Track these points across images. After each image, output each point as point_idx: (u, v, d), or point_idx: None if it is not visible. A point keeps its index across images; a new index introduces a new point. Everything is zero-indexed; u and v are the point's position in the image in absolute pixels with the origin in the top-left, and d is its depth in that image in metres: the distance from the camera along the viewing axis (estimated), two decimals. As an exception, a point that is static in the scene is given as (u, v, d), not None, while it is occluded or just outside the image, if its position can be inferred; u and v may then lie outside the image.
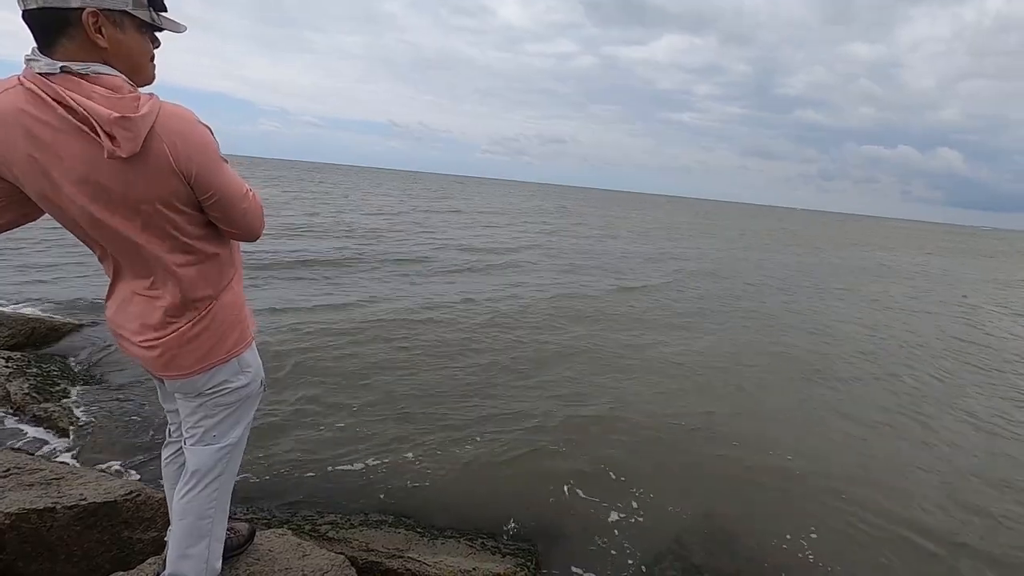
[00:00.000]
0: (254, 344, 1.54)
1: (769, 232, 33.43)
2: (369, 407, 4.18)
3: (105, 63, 1.13)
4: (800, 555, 2.97)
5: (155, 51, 1.26)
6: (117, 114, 1.07)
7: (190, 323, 1.36)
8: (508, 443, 3.83)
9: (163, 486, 1.79)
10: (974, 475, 4.06)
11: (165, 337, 1.36)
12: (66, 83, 1.08)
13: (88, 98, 1.08)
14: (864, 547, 3.10)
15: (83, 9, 1.07)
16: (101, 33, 1.11)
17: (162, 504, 2.45)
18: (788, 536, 3.12)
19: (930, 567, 3.00)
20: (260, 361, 1.58)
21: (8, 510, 1.92)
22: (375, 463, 3.42)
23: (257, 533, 2.06)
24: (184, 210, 1.25)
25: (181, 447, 1.62)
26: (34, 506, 1.99)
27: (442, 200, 34.97)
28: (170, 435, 1.70)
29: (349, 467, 3.36)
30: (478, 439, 3.85)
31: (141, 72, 1.22)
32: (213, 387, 1.46)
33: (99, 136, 1.08)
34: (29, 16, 1.07)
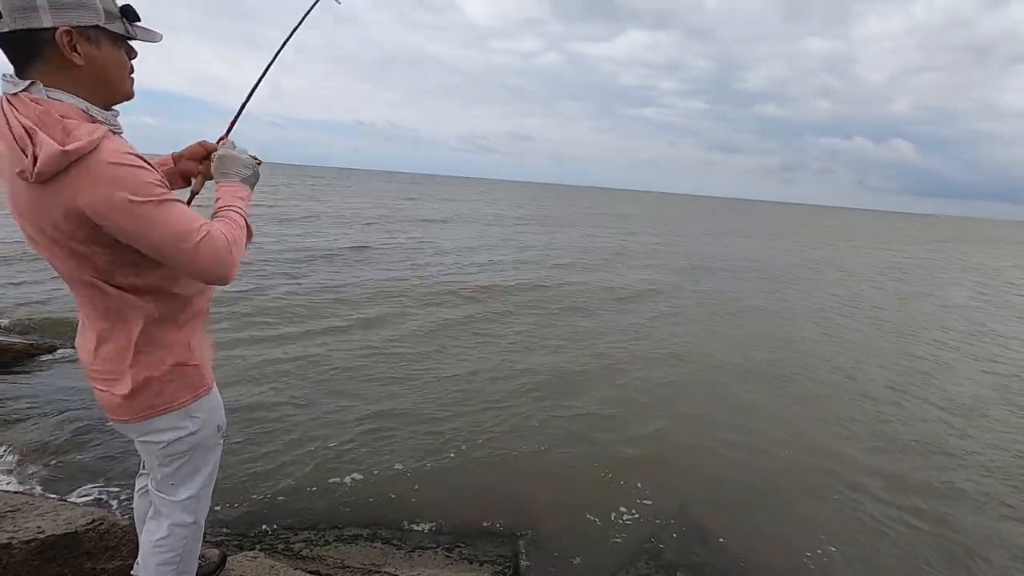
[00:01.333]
0: (213, 389, 1.45)
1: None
2: (337, 419, 4.12)
3: (75, 84, 1.12)
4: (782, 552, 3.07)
5: (132, 63, 1.23)
6: (42, 136, 1.04)
7: (127, 364, 1.28)
8: (483, 449, 3.84)
9: (131, 512, 1.75)
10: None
11: (104, 376, 1.31)
12: (19, 103, 1.07)
13: (29, 118, 1.06)
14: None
15: (55, 29, 1.05)
16: (76, 51, 1.09)
17: (127, 531, 2.37)
18: (765, 531, 3.22)
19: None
20: (219, 404, 1.49)
21: (-40, 549, 1.83)
22: (347, 476, 3.37)
23: (228, 558, 2.03)
24: (94, 249, 1.16)
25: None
26: (-12, 543, 1.90)
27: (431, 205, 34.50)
28: (142, 466, 1.65)
29: (321, 481, 3.30)
30: (452, 446, 3.83)
31: (118, 87, 1.21)
32: (157, 436, 1.39)
33: (24, 155, 1.05)
34: (1, 39, 1.06)
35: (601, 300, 9.07)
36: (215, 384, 1.48)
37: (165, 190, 1.15)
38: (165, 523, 1.50)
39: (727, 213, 58.93)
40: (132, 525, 2.45)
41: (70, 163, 1.05)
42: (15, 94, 1.08)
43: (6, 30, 1.04)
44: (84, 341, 1.35)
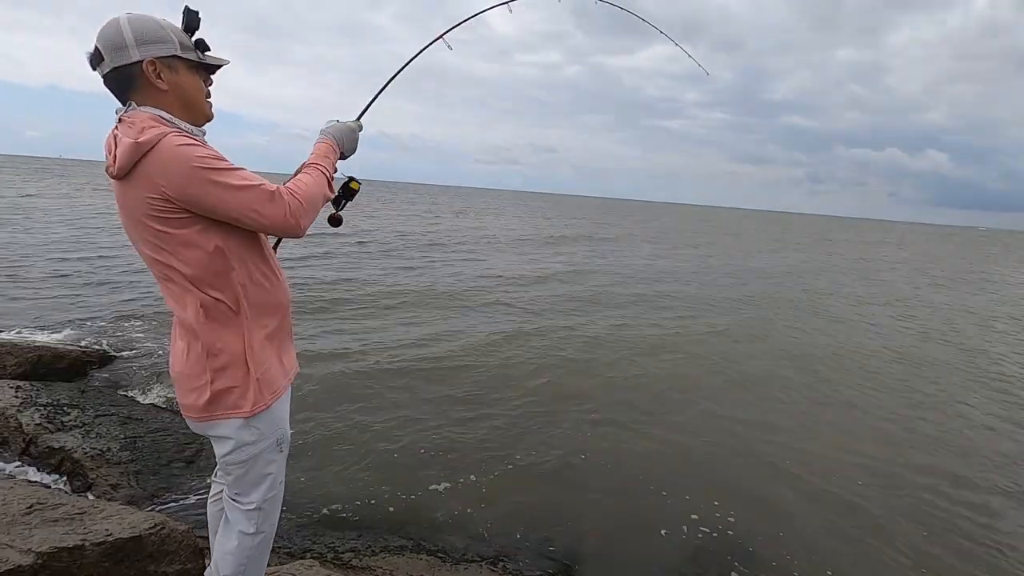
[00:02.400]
0: (276, 403, 1.49)
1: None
2: (389, 429, 4.18)
3: (163, 104, 1.31)
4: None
5: (210, 88, 1.42)
6: (124, 138, 1.23)
7: (196, 364, 1.38)
8: (531, 464, 3.84)
9: (185, 517, 1.81)
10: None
11: (181, 370, 1.42)
12: (120, 124, 1.28)
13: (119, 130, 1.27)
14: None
15: (143, 61, 1.26)
16: (161, 78, 1.29)
17: (185, 536, 2.45)
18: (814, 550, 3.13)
19: None
20: (282, 418, 1.53)
21: (40, 549, 1.92)
22: (395, 488, 3.40)
23: (285, 565, 2.07)
24: (168, 243, 1.29)
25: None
26: (64, 544, 1.99)
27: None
28: (216, 473, 1.71)
29: (368, 492, 3.35)
30: (500, 461, 3.84)
31: (197, 107, 1.38)
32: (217, 441, 1.47)
33: (109, 155, 1.26)
34: (106, 80, 1.29)
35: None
36: (283, 398, 1.52)
37: (227, 161, 1.29)
38: (234, 531, 1.56)
39: (794, 228, 57.28)
40: (189, 530, 2.53)
41: (143, 154, 1.21)
42: (120, 119, 1.29)
43: (108, 70, 1.27)
44: (175, 348, 1.44)
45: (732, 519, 3.36)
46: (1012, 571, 3.11)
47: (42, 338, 5.58)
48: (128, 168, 1.23)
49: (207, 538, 1.82)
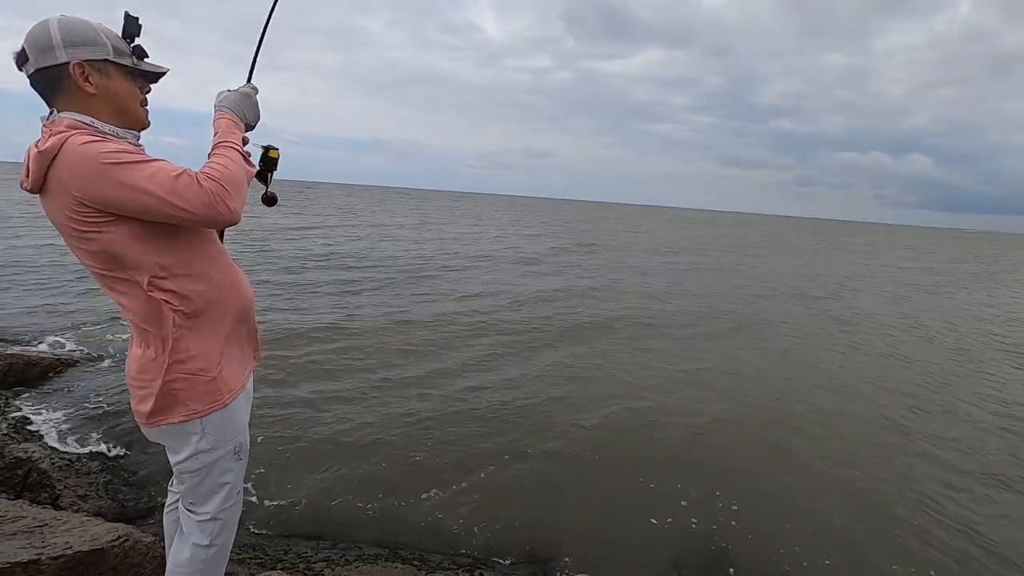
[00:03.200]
0: (232, 408, 1.43)
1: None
2: (364, 435, 4.12)
3: (90, 109, 1.25)
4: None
5: (147, 95, 1.36)
6: (34, 150, 1.18)
7: (145, 368, 1.35)
8: (507, 470, 3.79)
9: (154, 528, 1.76)
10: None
11: (136, 381, 1.38)
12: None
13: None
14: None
15: (69, 63, 1.21)
16: (89, 81, 1.23)
17: (151, 548, 2.38)
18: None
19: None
20: (237, 423, 1.46)
21: (-9, 565, 1.85)
22: (368, 496, 3.34)
23: (251, 575, 2.02)
24: (102, 248, 1.22)
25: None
26: (18, 559, 1.92)
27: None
28: (172, 481, 1.65)
29: (338, 499, 3.29)
30: (475, 468, 3.79)
31: (131, 114, 1.32)
32: (170, 448, 1.43)
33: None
34: (32, 81, 1.24)
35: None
36: (240, 402, 1.46)
37: (139, 154, 1.22)
38: (188, 542, 1.51)
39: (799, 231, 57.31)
40: (156, 542, 2.46)
41: (50, 162, 1.16)
42: (44, 126, 1.23)
43: (32, 71, 1.21)
44: (130, 353, 1.41)
45: (721, 506, 3.34)
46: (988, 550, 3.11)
47: (18, 349, 5.46)
48: (40, 180, 1.18)
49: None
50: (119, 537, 2.23)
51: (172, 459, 1.45)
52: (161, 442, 1.44)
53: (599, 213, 72.25)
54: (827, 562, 3.06)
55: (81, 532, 2.23)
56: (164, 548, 2.38)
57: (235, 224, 1.30)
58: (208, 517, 1.48)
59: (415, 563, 2.73)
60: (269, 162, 1.59)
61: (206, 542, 1.49)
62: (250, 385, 1.57)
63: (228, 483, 1.49)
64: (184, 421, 1.36)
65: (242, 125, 1.46)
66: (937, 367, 7.32)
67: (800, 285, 14.30)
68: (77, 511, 2.91)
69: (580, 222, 42.14)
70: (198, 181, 1.20)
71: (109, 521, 2.55)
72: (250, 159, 1.44)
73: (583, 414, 4.83)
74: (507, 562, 2.87)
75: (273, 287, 9.13)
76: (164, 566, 2.32)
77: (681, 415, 5.00)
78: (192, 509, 1.49)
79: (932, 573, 3.04)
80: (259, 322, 1.63)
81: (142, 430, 1.44)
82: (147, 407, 1.35)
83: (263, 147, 1.57)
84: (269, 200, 1.65)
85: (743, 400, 5.53)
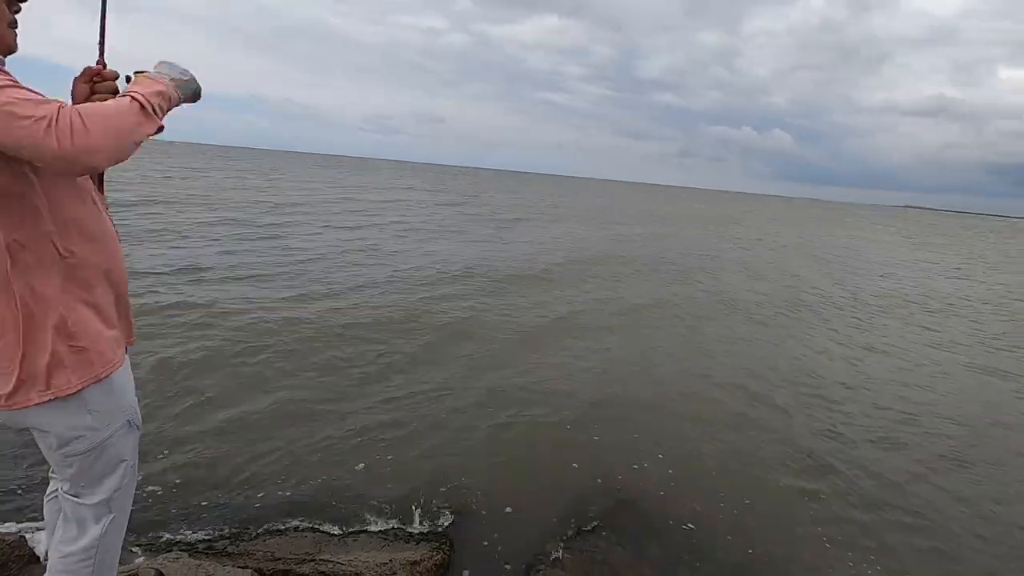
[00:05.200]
0: (115, 379, 1.31)
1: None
2: (253, 411, 3.91)
3: None
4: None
5: (16, 15, 1.18)
6: None
7: (5, 343, 1.17)
8: (409, 432, 3.82)
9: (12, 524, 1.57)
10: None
11: None
12: None
13: None
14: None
15: None
16: None
17: (15, 547, 2.14)
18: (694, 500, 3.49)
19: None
20: (124, 396, 1.35)
21: None
22: (271, 471, 3.22)
23: (146, 560, 1.88)
24: None
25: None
26: None
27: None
28: (52, 468, 1.47)
29: (239, 477, 3.13)
30: (377, 433, 3.78)
31: None
32: (46, 428, 1.26)
33: None
34: None
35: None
36: (122, 372, 1.34)
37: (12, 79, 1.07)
38: (73, 531, 1.37)
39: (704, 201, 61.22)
40: (20, 539, 2.21)
41: None
42: None
43: None
44: None
45: (615, 473, 3.64)
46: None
47: None
48: None
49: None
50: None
51: (49, 445, 1.29)
52: (31, 426, 1.27)
53: (506, 184, 72.50)
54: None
55: (-78, 538, 1.93)
56: (34, 543, 2.15)
57: (86, 168, 1.11)
58: (101, 499, 1.35)
59: (328, 531, 2.70)
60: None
61: (99, 531, 1.37)
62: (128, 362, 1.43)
63: (125, 460, 1.38)
64: (59, 399, 1.22)
65: (170, 96, 1.25)
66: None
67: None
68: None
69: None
70: (61, 111, 1.03)
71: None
72: (151, 113, 1.19)
73: (474, 381, 4.96)
74: (422, 518, 2.92)
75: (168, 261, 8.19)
76: (34, 562, 2.10)
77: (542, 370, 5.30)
78: (80, 495, 1.34)
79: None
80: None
81: (4, 416, 1.26)
82: (6, 388, 1.19)
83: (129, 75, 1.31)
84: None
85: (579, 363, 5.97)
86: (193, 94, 1.34)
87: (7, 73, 1.10)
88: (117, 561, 1.48)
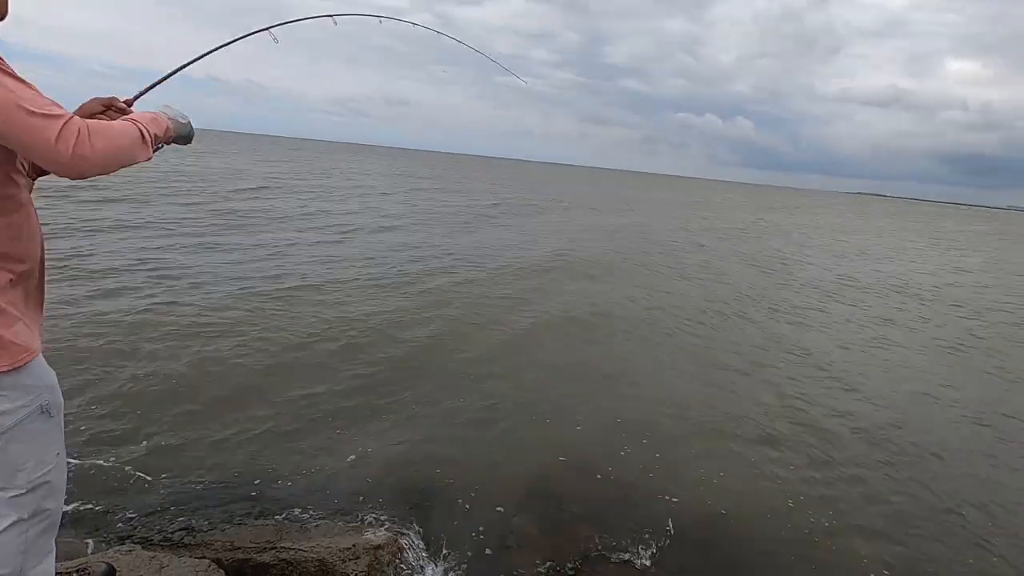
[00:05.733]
0: (32, 364, 1.27)
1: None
2: (210, 401, 3.83)
3: None
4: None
5: None
6: None
7: None
8: (373, 420, 3.81)
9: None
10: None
11: None
12: None
13: None
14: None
15: None
16: None
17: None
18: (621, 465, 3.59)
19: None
20: (41, 380, 1.31)
21: None
22: (227, 460, 3.16)
23: (98, 553, 1.83)
24: None
25: None
26: None
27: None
28: None
29: (197, 467, 3.07)
30: (340, 421, 3.75)
31: None
32: None
33: None
34: None
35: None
36: (34, 358, 1.28)
37: (17, 77, 1.11)
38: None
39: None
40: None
41: None
42: None
43: None
44: None
45: (574, 449, 3.71)
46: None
47: None
48: None
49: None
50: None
51: None
52: None
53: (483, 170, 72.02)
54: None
55: None
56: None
57: (77, 173, 1.15)
58: (17, 493, 1.29)
59: (289, 518, 2.68)
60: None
61: (26, 515, 1.31)
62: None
63: (45, 449, 1.32)
64: None
65: (167, 132, 1.41)
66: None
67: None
68: None
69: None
70: (78, 128, 1.11)
71: None
72: (148, 142, 1.31)
73: (437, 368, 4.97)
74: (383, 503, 2.92)
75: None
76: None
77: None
78: None
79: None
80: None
81: None
82: None
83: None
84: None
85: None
86: (185, 137, 1.50)
87: (3, 61, 1.10)
88: (45, 560, 1.41)
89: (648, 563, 2.69)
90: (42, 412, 1.31)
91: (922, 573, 2.87)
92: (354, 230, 11.75)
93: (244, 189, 17.22)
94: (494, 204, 21.54)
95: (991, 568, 2.94)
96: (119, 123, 1.26)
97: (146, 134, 1.28)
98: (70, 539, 2.25)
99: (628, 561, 2.69)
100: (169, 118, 1.43)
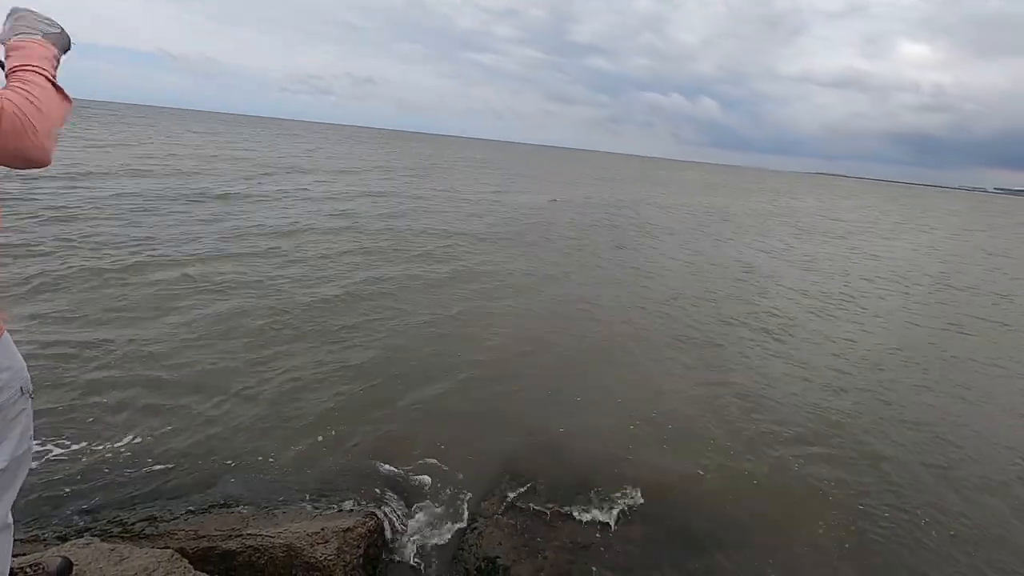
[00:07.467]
0: (4, 338, 1.25)
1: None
2: (173, 386, 3.74)
3: None
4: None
5: None
6: None
7: None
8: (340, 403, 3.79)
9: None
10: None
11: None
12: None
13: None
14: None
15: None
16: None
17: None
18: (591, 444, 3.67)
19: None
20: (14, 358, 1.28)
21: None
22: (190, 448, 3.10)
23: (54, 547, 1.78)
24: None
25: None
26: None
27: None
28: None
29: (159, 457, 3.00)
30: (306, 405, 3.72)
31: None
32: None
33: None
34: None
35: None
36: (7, 339, 1.26)
37: None
38: None
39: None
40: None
41: None
42: None
43: None
44: None
45: (549, 424, 3.77)
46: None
47: None
48: None
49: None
50: None
51: None
52: None
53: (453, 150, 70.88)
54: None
55: None
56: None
57: (45, 166, 1.03)
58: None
59: (256, 505, 2.65)
60: None
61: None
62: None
63: (10, 434, 1.28)
64: None
65: (57, 58, 1.13)
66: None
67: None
68: None
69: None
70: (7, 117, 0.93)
71: None
72: (66, 92, 1.10)
73: (404, 351, 4.95)
74: (351, 488, 2.92)
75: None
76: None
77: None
78: None
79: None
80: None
81: None
82: None
83: None
84: None
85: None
86: (65, 48, 1.20)
87: None
88: (8, 547, 1.39)
89: (613, 526, 2.78)
90: (18, 394, 1.28)
91: (879, 539, 3.04)
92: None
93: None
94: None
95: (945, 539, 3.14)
96: (37, 84, 1.03)
97: (57, 83, 1.08)
98: (24, 534, 2.18)
99: (592, 522, 2.78)
100: (43, 35, 1.12)
